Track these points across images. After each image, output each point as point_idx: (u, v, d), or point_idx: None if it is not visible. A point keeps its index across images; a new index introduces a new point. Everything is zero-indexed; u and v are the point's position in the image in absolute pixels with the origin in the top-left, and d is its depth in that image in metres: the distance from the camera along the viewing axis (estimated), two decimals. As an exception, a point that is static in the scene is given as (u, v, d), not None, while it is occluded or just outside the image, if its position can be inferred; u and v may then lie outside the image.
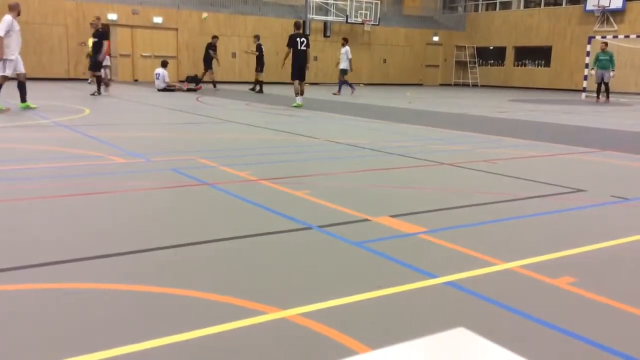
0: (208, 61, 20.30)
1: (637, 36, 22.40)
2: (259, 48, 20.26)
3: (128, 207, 4.34)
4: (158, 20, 25.38)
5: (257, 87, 20.36)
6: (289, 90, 17.71)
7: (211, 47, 20.26)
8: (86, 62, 19.91)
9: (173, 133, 9.00)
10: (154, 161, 6.22)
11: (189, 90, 19.70)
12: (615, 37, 23.42)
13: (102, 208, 4.28)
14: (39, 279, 2.88)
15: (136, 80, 24.98)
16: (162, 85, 19.12)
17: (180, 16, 25.81)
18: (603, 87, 20.04)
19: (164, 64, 19.48)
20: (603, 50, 19.72)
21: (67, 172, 5.53)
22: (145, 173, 5.63)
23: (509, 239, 3.76)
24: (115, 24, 24.38)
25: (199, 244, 3.47)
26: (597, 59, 19.68)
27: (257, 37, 20.72)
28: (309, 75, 29.54)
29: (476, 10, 34.38)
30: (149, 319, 2.44)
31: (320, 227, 3.84)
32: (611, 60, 19.48)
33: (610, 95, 20.49)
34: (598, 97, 20.42)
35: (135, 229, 3.78)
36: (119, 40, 24.57)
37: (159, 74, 19.24)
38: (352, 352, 2.19)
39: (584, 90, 22.23)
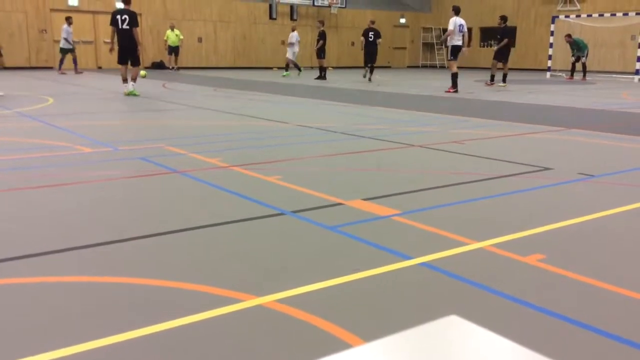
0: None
1: (599, 15, 22.79)
2: None
3: (97, 198, 4.26)
4: (121, 5, 24.76)
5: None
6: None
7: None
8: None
9: (140, 121, 8.85)
10: (122, 150, 6.11)
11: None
12: (578, 16, 23.79)
13: (70, 199, 4.20)
14: (5, 274, 2.81)
15: (100, 68, 24.45)
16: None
17: (143, 0, 25.27)
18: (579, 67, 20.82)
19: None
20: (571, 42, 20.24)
21: (33, 164, 5.41)
22: (114, 162, 5.54)
23: (480, 219, 3.81)
24: (77, 10, 23.75)
25: (170, 233, 3.43)
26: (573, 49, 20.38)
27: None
28: (277, 59, 28.99)
29: (442, -9, 34.38)
30: (121, 311, 2.41)
31: (294, 212, 3.84)
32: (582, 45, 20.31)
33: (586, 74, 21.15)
34: (572, 75, 21.06)
35: (105, 220, 3.72)
36: (81, 27, 23.96)
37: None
38: (332, 337, 2.20)
39: (548, 69, 22.57)
